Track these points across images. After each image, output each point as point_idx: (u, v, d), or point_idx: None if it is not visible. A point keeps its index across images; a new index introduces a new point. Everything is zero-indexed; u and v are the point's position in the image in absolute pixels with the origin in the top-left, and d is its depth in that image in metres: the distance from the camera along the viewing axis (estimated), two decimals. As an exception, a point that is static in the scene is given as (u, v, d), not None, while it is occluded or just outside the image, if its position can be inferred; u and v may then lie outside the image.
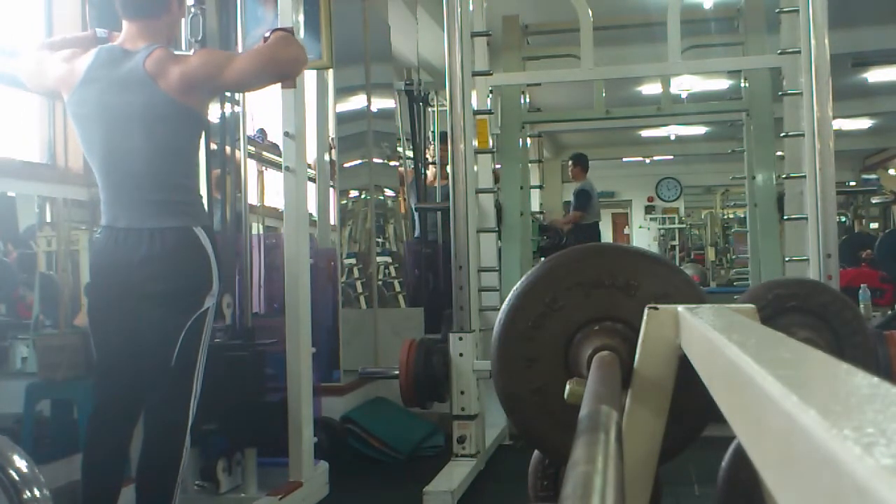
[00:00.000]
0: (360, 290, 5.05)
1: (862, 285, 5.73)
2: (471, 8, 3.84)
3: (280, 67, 2.40)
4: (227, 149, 3.28)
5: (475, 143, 3.84)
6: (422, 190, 5.84)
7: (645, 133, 12.70)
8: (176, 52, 2.36)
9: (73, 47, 2.45)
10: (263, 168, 4.73)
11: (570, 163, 8.13)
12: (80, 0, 3.58)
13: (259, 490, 2.96)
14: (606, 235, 13.70)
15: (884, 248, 7.37)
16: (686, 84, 8.10)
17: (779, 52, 3.86)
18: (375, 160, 5.20)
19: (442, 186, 5.70)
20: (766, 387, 0.47)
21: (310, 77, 4.14)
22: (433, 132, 6.28)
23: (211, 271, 2.31)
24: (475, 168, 3.85)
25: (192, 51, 2.57)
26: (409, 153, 5.82)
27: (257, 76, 2.38)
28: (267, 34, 2.46)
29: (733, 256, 12.08)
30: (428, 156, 5.95)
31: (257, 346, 3.06)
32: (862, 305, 5.12)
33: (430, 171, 5.98)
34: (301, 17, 3.07)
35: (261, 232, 4.02)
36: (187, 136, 2.38)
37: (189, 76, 2.27)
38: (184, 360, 2.28)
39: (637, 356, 1.22)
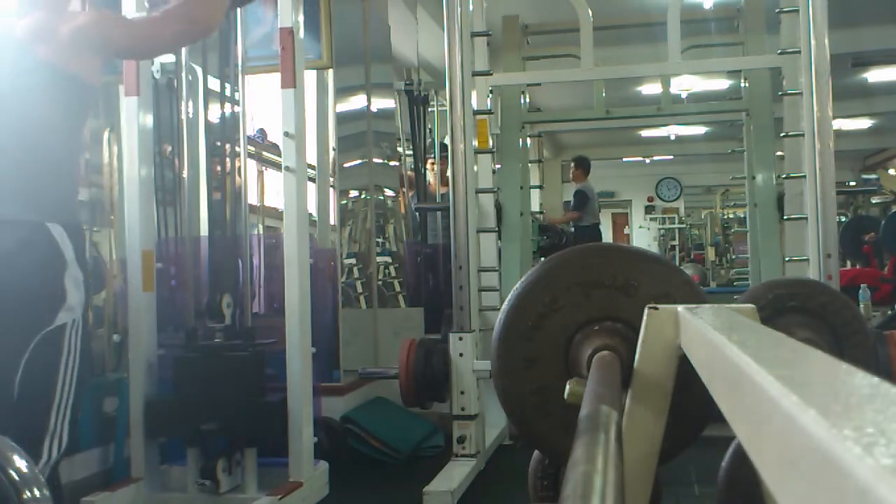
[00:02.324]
0: (360, 290, 5.05)
1: (862, 285, 5.73)
2: (471, 8, 3.84)
3: (194, 31, 2.18)
4: (227, 148, 3.28)
5: (475, 143, 3.84)
6: (422, 190, 5.84)
7: (645, 133, 12.71)
8: (61, 14, 2.04)
9: None
10: (263, 168, 4.73)
11: (572, 164, 8.15)
12: (80, 1, 3.58)
13: (259, 490, 2.96)
14: (606, 235, 13.68)
15: (889, 230, 7.26)
16: (686, 84, 8.11)
17: (779, 52, 3.86)
18: (375, 160, 5.20)
19: (443, 194, 5.70)
20: (766, 387, 0.47)
21: (310, 77, 4.14)
22: (433, 140, 6.28)
23: (64, 279, 1.91)
24: (475, 168, 3.85)
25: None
26: (409, 153, 5.82)
27: (165, 41, 2.14)
28: None
29: (733, 256, 12.08)
30: (428, 168, 5.94)
31: (257, 346, 3.06)
32: (862, 305, 5.12)
33: (431, 176, 5.98)
34: (301, 17, 3.07)
35: (260, 232, 4.02)
36: (67, 110, 2.01)
37: (77, 35, 1.95)
38: (31, 392, 1.86)
39: (637, 356, 1.22)
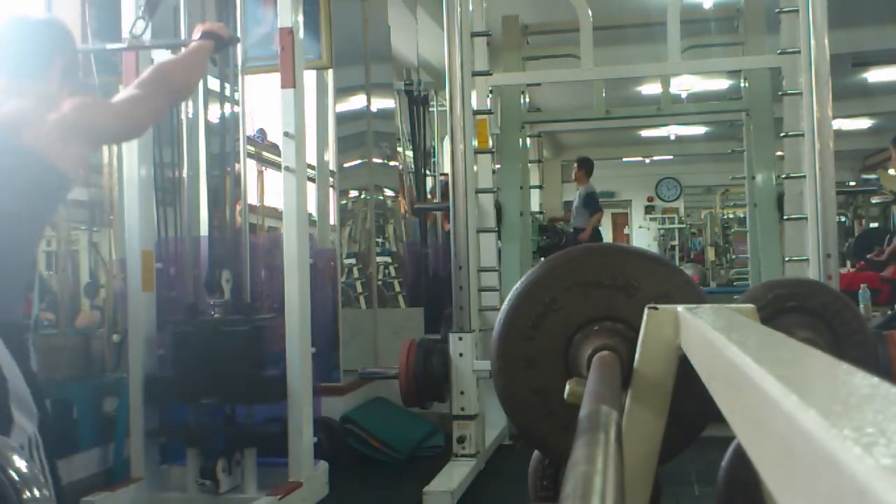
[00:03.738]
0: (360, 290, 5.05)
1: (862, 285, 5.72)
2: (471, 8, 3.84)
3: (176, 99, 2.17)
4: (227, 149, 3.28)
5: (475, 143, 3.84)
6: (422, 191, 5.84)
7: (645, 133, 12.70)
8: (34, 102, 1.90)
9: None
10: (263, 168, 4.73)
11: (574, 165, 8.14)
12: (80, 1, 3.58)
13: (259, 490, 2.96)
14: (606, 236, 13.67)
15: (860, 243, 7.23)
16: (686, 84, 8.11)
17: (779, 52, 3.86)
18: (375, 160, 5.20)
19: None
20: (766, 387, 0.47)
21: (310, 77, 4.14)
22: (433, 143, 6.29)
23: (9, 406, 1.65)
24: (475, 168, 3.85)
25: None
26: (409, 153, 5.83)
27: (148, 119, 2.06)
28: (195, 35, 2.26)
29: (733, 256, 12.08)
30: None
31: (256, 321, 3.07)
32: (862, 305, 5.11)
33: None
34: (301, 17, 3.07)
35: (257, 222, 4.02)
36: (36, 200, 1.86)
37: (63, 124, 1.84)
38: None
39: (637, 356, 1.22)
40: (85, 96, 2.03)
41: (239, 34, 3.29)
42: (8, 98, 1.87)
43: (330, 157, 4.88)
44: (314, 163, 4.58)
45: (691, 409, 1.27)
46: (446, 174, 5.03)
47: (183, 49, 2.40)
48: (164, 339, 3.16)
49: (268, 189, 4.80)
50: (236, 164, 3.30)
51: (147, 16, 2.79)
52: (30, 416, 1.69)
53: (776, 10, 3.90)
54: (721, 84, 8.77)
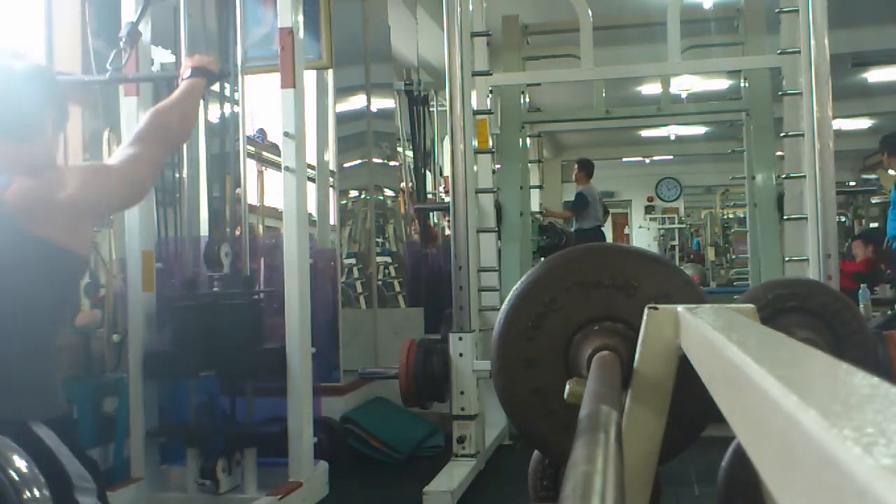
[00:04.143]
0: (360, 290, 5.05)
1: (862, 285, 5.72)
2: (471, 8, 3.84)
3: (174, 147, 2.10)
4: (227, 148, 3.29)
5: (475, 143, 3.84)
6: (422, 191, 5.84)
7: (645, 133, 12.70)
8: (41, 178, 1.73)
9: None
10: (263, 168, 4.73)
11: (575, 166, 8.15)
12: (80, 1, 3.58)
13: (259, 490, 2.96)
14: (606, 236, 13.67)
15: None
16: (686, 84, 8.10)
17: (779, 52, 3.86)
18: (375, 160, 5.20)
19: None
20: (766, 387, 0.47)
21: (310, 77, 4.14)
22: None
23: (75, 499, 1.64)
24: (475, 168, 3.85)
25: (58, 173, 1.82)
26: (409, 153, 5.83)
27: (152, 174, 1.95)
28: (185, 73, 2.16)
29: (733, 256, 12.08)
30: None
31: (255, 294, 3.08)
32: (862, 305, 5.11)
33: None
34: (301, 17, 3.07)
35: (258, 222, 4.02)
36: (56, 287, 1.76)
37: (77, 206, 1.71)
38: None
39: (637, 356, 1.22)
40: (88, 167, 1.93)
41: (239, 34, 3.29)
42: (4, 168, 1.69)
43: (330, 157, 4.88)
44: (314, 163, 4.58)
45: (691, 409, 1.27)
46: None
47: (173, 85, 2.30)
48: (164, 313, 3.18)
49: (268, 189, 4.80)
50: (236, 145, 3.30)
51: (128, 48, 2.76)
52: (91, 492, 1.69)
53: (776, 10, 3.90)
54: (721, 84, 8.77)
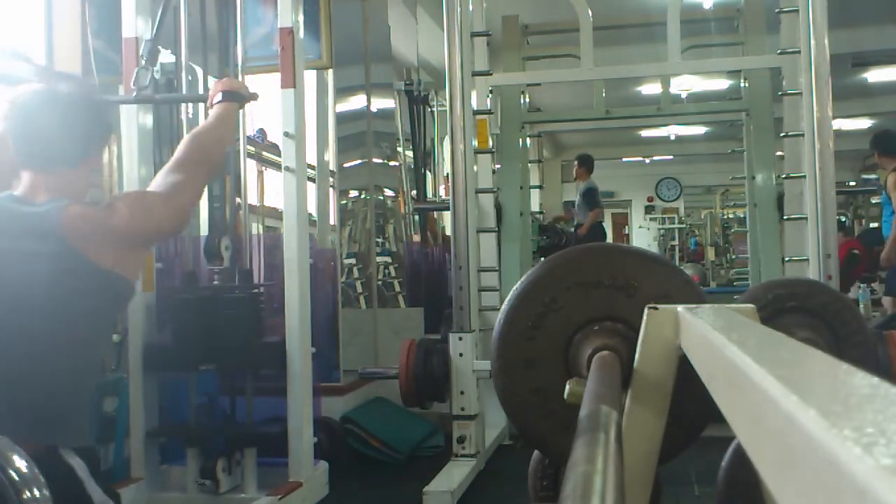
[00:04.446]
0: (360, 290, 5.05)
1: (861, 285, 5.73)
2: (471, 8, 3.84)
3: (212, 175, 2.10)
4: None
5: (475, 143, 3.84)
6: (422, 190, 5.84)
7: (645, 133, 12.70)
8: (92, 206, 1.78)
9: None
10: (263, 168, 4.73)
11: (575, 162, 8.13)
12: (80, 1, 3.58)
13: (259, 490, 2.96)
14: (607, 235, 13.67)
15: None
16: (686, 84, 8.11)
17: (779, 52, 3.86)
18: (375, 160, 5.20)
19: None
20: (766, 387, 0.47)
21: (310, 77, 4.14)
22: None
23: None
24: (475, 168, 3.85)
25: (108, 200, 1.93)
26: (409, 153, 5.83)
27: (195, 199, 1.98)
28: (216, 99, 2.16)
29: (733, 256, 12.08)
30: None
31: (255, 288, 3.08)
32: (862, 305, 5.12)
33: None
34: (301, 17, 3.07)
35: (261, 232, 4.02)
36: (105, 314, 1.80)
37: (125, 233, 1.73)
38: None
39: (637, 356, 1.22)
40: (127, 197, 1.94)
41: (239, 34, 3.29)
42: (45, 193, 1.72)
43: (330, 157, 4.88)
44: (314, 163, 4.58)
45: (691, 409, 1.27)
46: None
47: (203, 109, 2.30)
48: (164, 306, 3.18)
49: (268, 189, 4.80)
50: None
51: (149, 65, 2.78)
52: None
53: (776, 10, 3.90)
54: (721, 84, 8.78)
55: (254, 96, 2.36)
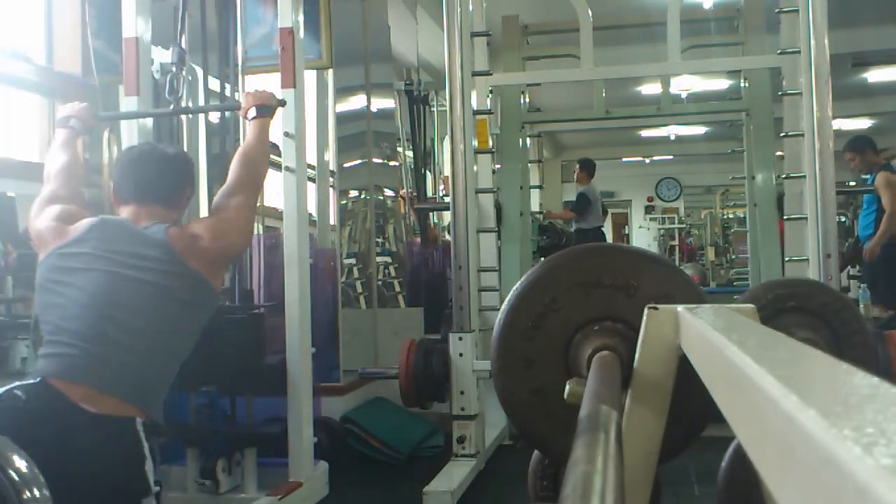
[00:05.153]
0: (360, 290, 5.05)
1: (862, 285, 5.72)
2: (471, 8, 3.84)
3: (263, 183, 2.43)
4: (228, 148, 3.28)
5: (475, 143, 3.84)
6: (422, 191, 5.84)
7: (645, 133, 12.70)
8: (187, 229, 2.21)
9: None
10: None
11: (576, 166, 8.14)
12: (80, 1, 3.58)
13: (259, 490, 2.96)
14: (606, 236, 13.67)
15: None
16: (686, 84, 8.10)
17: (779, 52, 3.86)
18: (375, 160, 5.20)
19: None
20: (766, 387, 0.47)
21: (310, 77, 4.14)
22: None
23: (145, 471, 1.96)
24: (475, 168, 3.85)
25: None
26: (409, 153, 5.83)
27: (254, 210, 2.34)
28: (251, 114, 2.47)
29: (733, 256, 12.08)
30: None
31: (255, 309, 3.08)
32: (862, 305, 5.11)
33: None
34: (301, 17, 3.07)
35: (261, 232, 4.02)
36: (196, 316, 2.16)
37: (222, 256, 2.19)
38: None
39: (637, 356, 1.22)
40: (206, 223, 2.26)
41: (239, 34, 3.29)
42: (146, 220, 2.15)
43: (330, 157, 4.88)
44: (314, 163, 4.58)
45: (691, 409, 1.27)
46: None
47: (242, 122, 2.70)
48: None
49: (268, 189, 4.80)
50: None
51: (179, 73, 2.94)
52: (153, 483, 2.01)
53: (776, 10, 3.90)
54: (721, 84, 8.77)
55: (282, 103, 2.64)
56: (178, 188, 2.28)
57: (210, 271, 2.14)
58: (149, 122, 3.15)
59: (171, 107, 2.94)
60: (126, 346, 1.98)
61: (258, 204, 2.48)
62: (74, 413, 1.84)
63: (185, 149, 3.68)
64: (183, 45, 3.07)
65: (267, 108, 2.50)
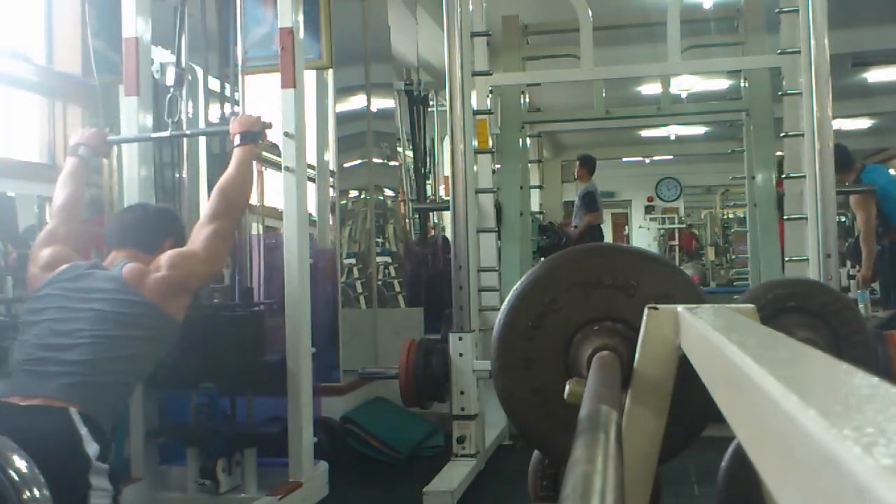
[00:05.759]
0: (360, 290, 5.05)
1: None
2: (471, 8, 3.84)
3: (242, 211, 2.57)
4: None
5: (475, 143, 3.84)
6: (422, 191, 5.84)
7: (645, 133, 12.70)
8: (144, 266, 2.37)
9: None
10: (263, 168, 4.72)
11: (577, 163, 8.11)
12: (80, 1, 3.58)
13: (259, 490, 2.96)
14: (606, 236, 13.66)
15: None
16: (686, 84, 8.10)
17: (779, 52, 3.85)
18: (375, 160, 5.20)
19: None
20: (766, 387, 0.47)
21: (310, 77, 4.14)
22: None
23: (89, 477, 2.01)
24: (475, 168, 3.85)
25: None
26: (409, 153, 5.82)
27: (226, 247, 2.50)
28: (235, 141, 2.58)
29: (733, 256, 12.08)
30: None
31: (255, 306, 3.07)
32: (862, 305, 5.11)
33: None
34: (301, 17, 3.07)
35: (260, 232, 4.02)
36: (150, 342, 2.32)
37: (180, 285, 2.34)
38: None
39: (637, 356, 1.22)
40: (171, 253, 2.41)
41: (239, 34, 3.28)
42: (121, 261, 2.34)
43: (330, 157, 4.88)
44: (314, 163, 4.58)
45: (691, 408, 1.27)
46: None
47: (229, 151, 2.73)
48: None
49: (268, 189, 4.79)
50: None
51: (180, 94, 3.01)
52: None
53: (776, 10, 3.90)
54: (721, 84, 8.77)
55: (268, 125, 2.72)
56: (156, 236, 2.47)
57: (163, 299, 2.30)
58: (149, 121, 3.14)
59: (169, 132, 3.00)
60: (63, 360, 2.15)
61: (259, 205, 2.54)
62: (5, 407, 2.04)
63: (186, 149, 3.68)
64: (182, 66, 3.08)
65: (252, 134, 2.61)
